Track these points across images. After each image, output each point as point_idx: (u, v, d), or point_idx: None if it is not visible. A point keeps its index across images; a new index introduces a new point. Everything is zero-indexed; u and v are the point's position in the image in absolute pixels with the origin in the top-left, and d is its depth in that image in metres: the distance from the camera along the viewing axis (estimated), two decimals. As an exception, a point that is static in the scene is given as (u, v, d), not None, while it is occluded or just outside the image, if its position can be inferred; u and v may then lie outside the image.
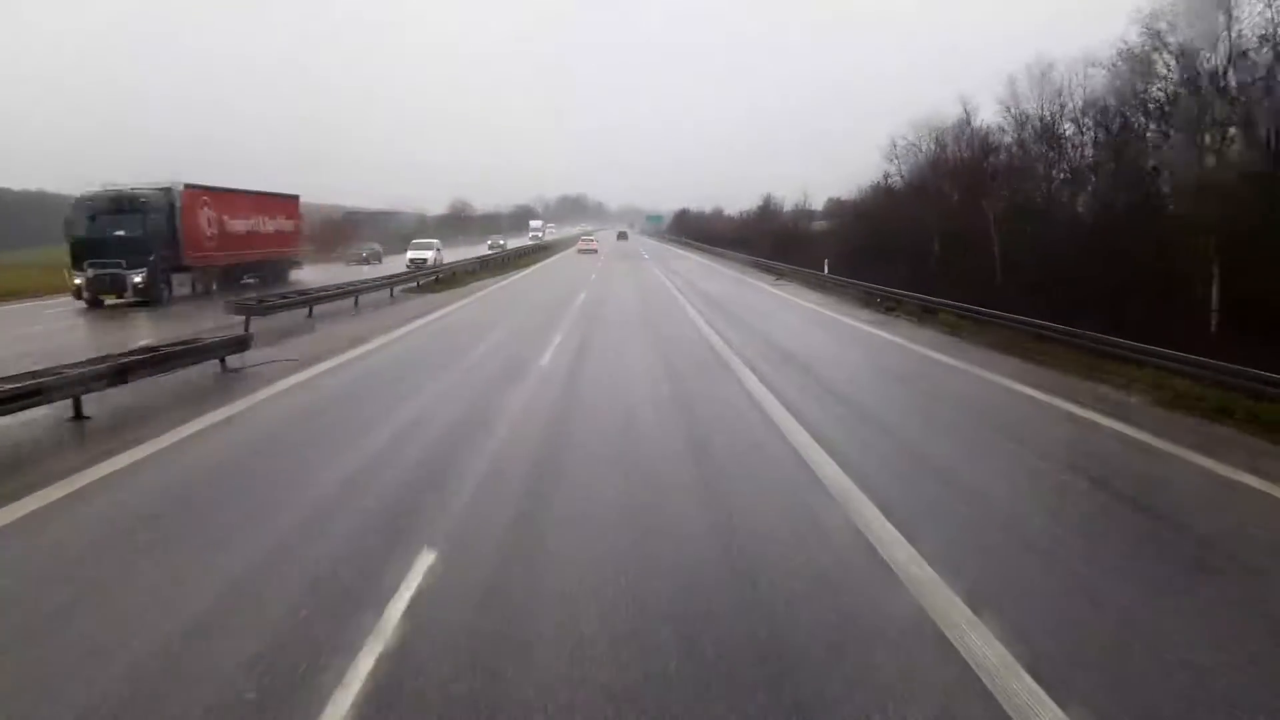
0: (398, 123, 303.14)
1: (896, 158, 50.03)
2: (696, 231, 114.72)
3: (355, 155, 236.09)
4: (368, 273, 37.11)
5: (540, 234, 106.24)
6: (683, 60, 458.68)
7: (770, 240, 70.12)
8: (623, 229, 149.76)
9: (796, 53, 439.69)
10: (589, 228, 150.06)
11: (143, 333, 18.56)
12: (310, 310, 22.49)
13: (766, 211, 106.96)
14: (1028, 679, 4.52)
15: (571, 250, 73.83)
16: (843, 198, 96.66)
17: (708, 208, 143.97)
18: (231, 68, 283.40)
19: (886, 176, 66.77)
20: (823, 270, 39.63)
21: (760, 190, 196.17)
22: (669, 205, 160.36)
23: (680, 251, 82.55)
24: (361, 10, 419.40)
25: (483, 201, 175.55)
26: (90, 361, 11.24)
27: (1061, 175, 36.59)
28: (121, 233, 25.35)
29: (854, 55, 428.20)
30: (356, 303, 25.57)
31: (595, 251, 71.06)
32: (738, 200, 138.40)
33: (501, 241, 73.23)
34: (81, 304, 24.99)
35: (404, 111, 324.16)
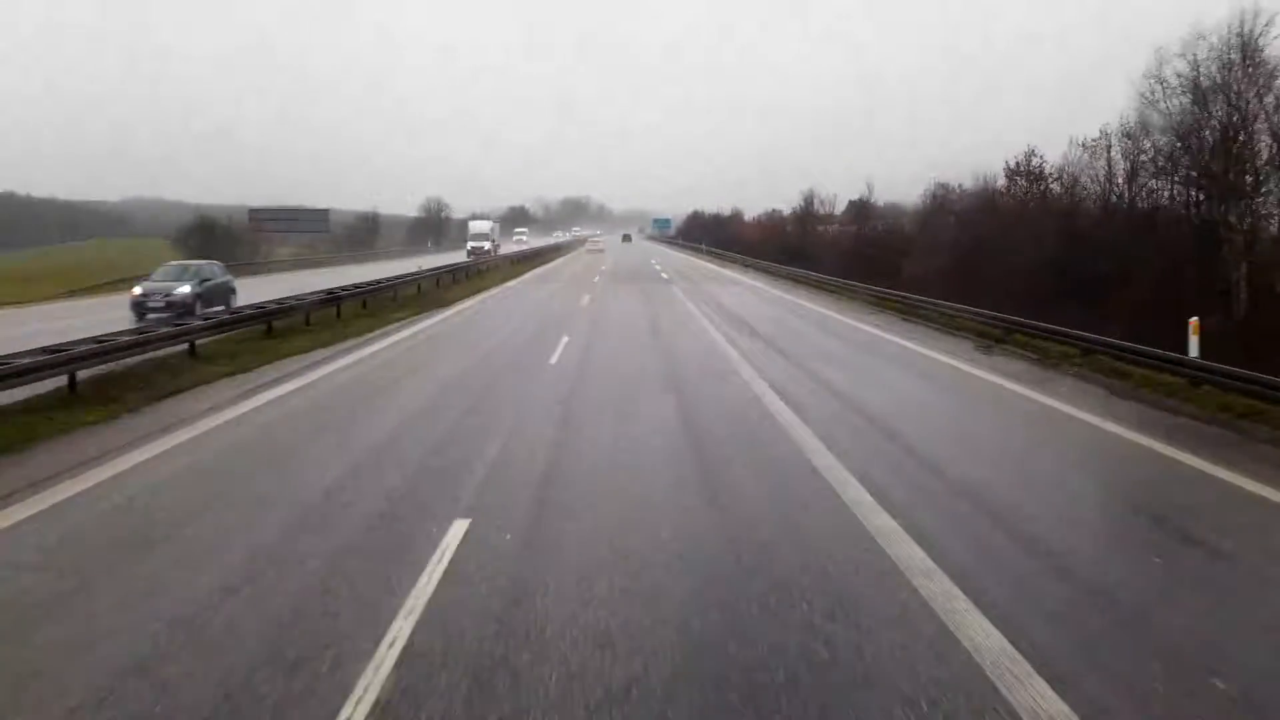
0: (396, 124, 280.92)
1: (1164, 93, 26.59)
2: (714, 237, 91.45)
3: (353, 157, 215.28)
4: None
5: (488, 244, 62.17)
6: (688, 64, 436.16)
7: (861, 257, 47.16)
8: (627, 232, 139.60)
9: (802, 56, 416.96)
10: (583, 232, 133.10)
11: None
12: None
13: (809, 213, 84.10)
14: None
15: (541, 269, 48.97)
16: (860, 201, 75.00)
17: (717, 210, 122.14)
18: (225, 72, 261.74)
19: (1034, 154, 43.74)
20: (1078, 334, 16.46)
21: (769, 196, 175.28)
22: (674, 209, 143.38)
23: (708, 265, 58.83)
24: (361, 9, 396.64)
25: (481, 204, 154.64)
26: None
27: None
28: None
29: (860, 57, 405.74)
30: None
31: (602, 251, 75.00)
32: (750, 205, 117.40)
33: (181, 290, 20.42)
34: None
35: (403, 113, 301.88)
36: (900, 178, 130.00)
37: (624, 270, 48.87)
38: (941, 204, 63.42)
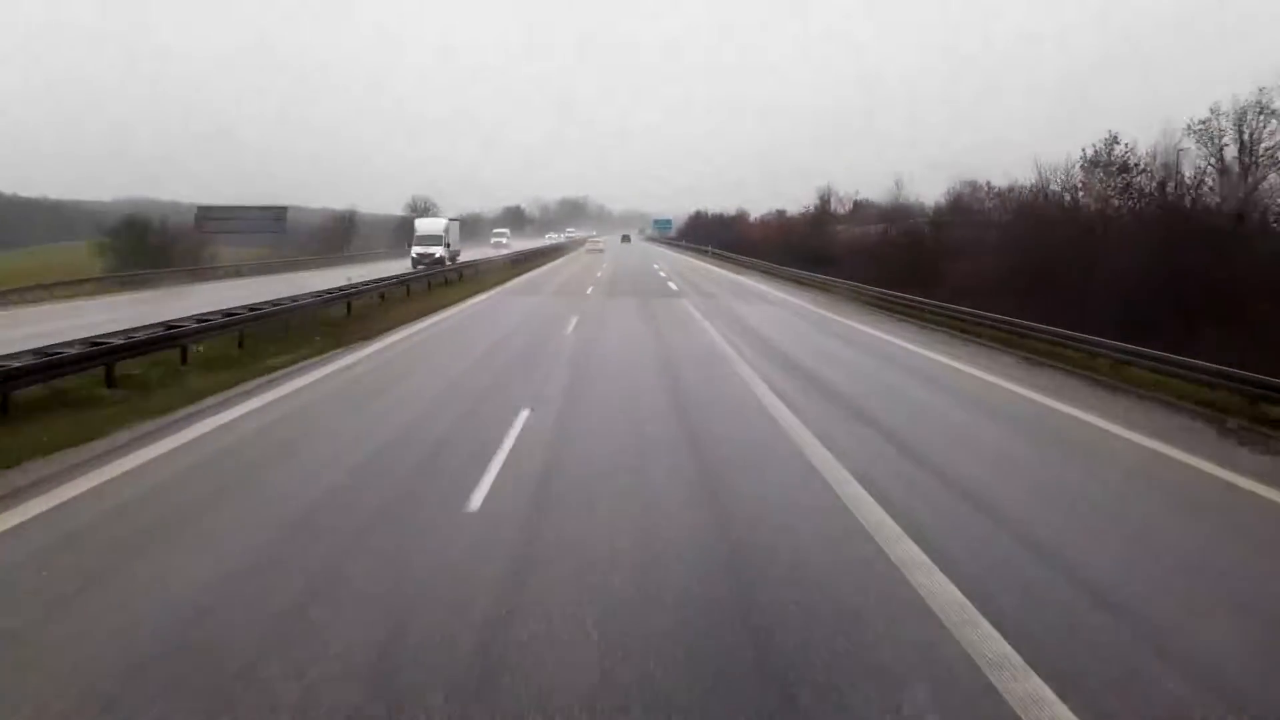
0: (396, 124, 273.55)
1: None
2: (718, 239, 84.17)
3: (352, 156, 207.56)
4: None
5: (439, 250, 45.46)
6: (688, 64, 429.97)
7: (898, 263, 39.78)
8: (626, 233, 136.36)
9: (802, 56, 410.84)
10: (578, 233, 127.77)
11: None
12: None
13: (825, 213, 76.55)
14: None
15: (522, 279, 39.89)
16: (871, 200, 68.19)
17: (721, 210, 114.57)
18: (223, 71, 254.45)
19: (1115, 141, 36.42)
20: None
21: (771, 196, 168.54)
22: (674, 210, 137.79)
23: (719, 271, 51.28)
24: (360, 9, 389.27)
25: (480, 204, 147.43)
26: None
27: None
28: None
29: (860, 57, 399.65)
30: None
31: (602, 250, 75.24)
32: (751, 205, 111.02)
33: None
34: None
35: (402, 113, 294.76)
36: (903, 177, 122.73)
37: (624, 277, 41.25)
38: (969, 202, 56.70)
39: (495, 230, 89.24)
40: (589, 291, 31.19)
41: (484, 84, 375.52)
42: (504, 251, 61.43)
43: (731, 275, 45.87)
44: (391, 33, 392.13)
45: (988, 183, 57.48)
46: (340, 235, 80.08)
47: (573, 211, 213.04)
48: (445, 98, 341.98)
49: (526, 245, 78.12)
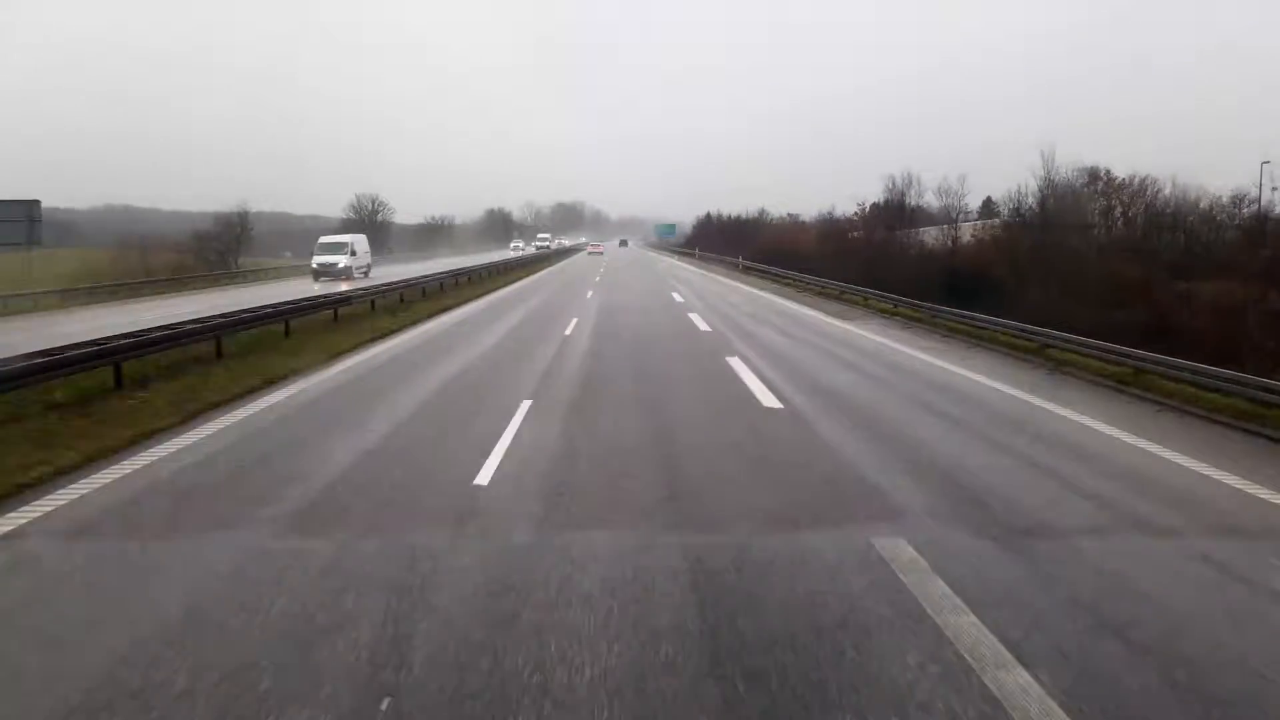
0: (385, 128, 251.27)
1: None
2: (745, 247, 61.55)
3: (339, 161, 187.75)
4: None
5: None
6: (689, 68, 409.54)
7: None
8: (624, 238, 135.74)
9: (800, 58, 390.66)
10: (555, 241, 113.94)
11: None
12: None
13: (890, 207, 53.40)
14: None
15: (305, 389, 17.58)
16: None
17: (740, 212, 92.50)
18: (206, 72, 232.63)
19: None
20: None
21: (777, 201, 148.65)
22: (674, 215, 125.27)
23: (817, 317, 28.12)
24: (348, 5, 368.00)
25: (471, 209, 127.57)
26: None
27: None
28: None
29: (861, 60, 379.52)
30: None
31: (602, 253, 77.40)
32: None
33: None
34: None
35: (393, 116, 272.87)
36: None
37: (623, 332, 18.81)
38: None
39: (322, 242, 41.89)
40: (486, 469, 8.17)
41: (478, 89, 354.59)
42: (343, 285, 31.35)
43: (846, 327, 22.48)
44: (380, 34, 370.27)
45: (1106, 171, 41.62)
46: (230, 242, 57.28)
47: (568, 217, 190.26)
48: (440, 101, 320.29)
49: (457, 262, 49.57)
